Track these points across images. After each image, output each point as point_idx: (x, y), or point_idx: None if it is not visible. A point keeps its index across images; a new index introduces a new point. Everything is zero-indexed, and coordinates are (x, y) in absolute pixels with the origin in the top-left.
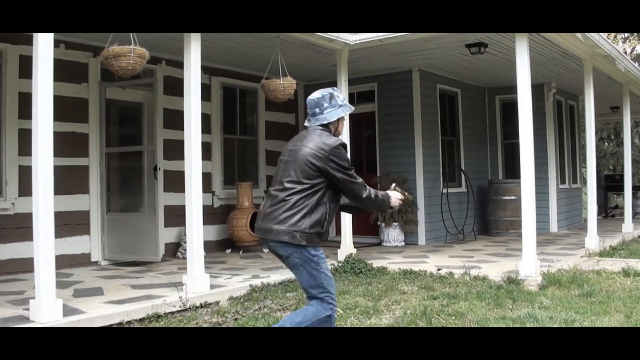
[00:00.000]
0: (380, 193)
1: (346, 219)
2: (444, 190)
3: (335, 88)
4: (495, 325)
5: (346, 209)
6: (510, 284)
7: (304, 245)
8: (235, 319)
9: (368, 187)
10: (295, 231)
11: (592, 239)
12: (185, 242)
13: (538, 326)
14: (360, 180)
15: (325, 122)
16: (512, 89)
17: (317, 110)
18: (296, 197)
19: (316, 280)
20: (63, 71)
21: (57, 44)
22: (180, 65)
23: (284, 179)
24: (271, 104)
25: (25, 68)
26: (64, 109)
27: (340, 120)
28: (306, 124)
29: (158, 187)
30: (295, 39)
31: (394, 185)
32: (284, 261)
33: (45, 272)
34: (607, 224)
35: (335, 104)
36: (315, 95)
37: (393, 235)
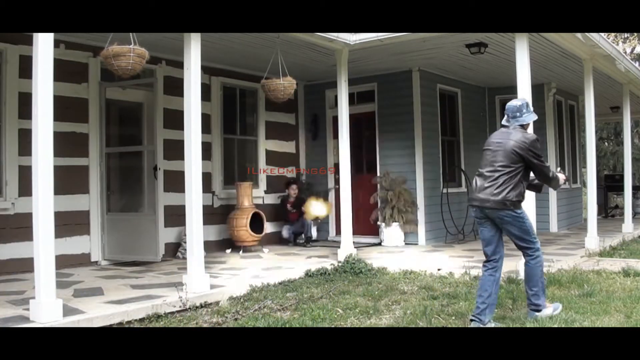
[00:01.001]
0: (555, 174)
1: (346, 219)
2: (444, 190)
3: (525, 98)
4: (495, 325)
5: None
6: (510, 284)
7: (512, 208)
8: (235, 319)
9: (551, 169)
10: (506, 200)
11: (592, 239)
12: (185, 242)
13: (538, 326)
14: (547, 164)
15: (523, 123)
16: (512, 89)
17: (517, 114)
18: (505, 177)
19: (522, 229)
20: (63, 71)
21: (57, 44)
22: (180, 65)
23: (495, 163)
24: (271, 104)
25: (25, 68)
26: (64, 109)
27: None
28: (505, 123)
29: (158, 187)
30: (295, 39)
31: (559, 168)
32: (497, 223)
33: (45, 272)
34: (607, 224)
35: (529, 111)
36: (516, 102)
37: (393, 235)
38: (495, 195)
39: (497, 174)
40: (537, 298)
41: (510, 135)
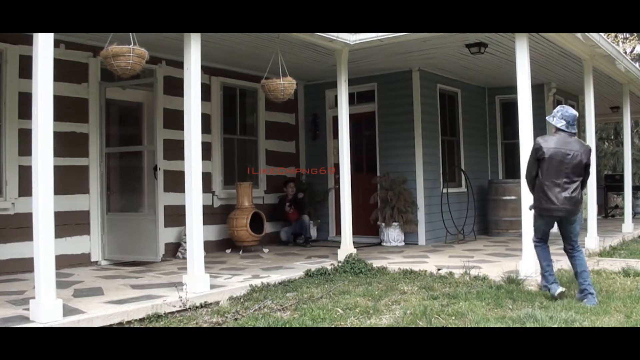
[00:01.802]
0: None
1: (346, 219)
2: (444, 190)
3: None
4: (495, 325)
5: None
6: (510, 284)
7: (580, 209)
8: (235, 319)
9: None
10: (579, 203)
11: (592, 239)
12: (185, 242)
13: (538, 326)
14: None
15: (574, 131)
16: (512, 89)
17: (575, 122)
18: (576, 184)
19: (579, 229)
20: (63, 71)
21: (57, 44)
22: (180, 65)
23: (570, 175)
24: (271, 104)
25: (25, 68)
26: (64, 109)
27: None
28: (565, 128)
29: (158, 187)
30: (295, 39)
31: None
32: (569, 222)
33: (45, 272)
34: (607, 224)
35: None
36: (574, 111)
37: (393, 235)
38: (573, 201)
39: (573, 185)
40: (590, 286)
41: (577, 146)
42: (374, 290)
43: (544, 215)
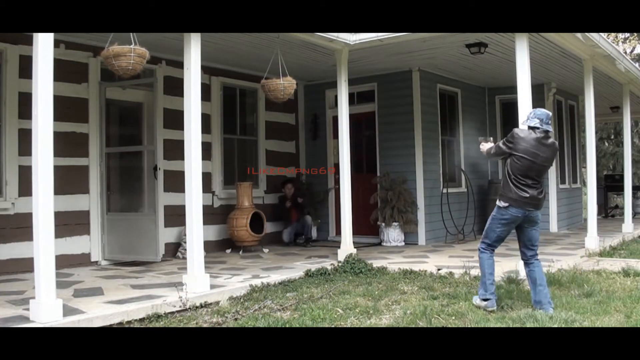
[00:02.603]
0: None
1: (346, 219)
2: (444, 190)
3: None
4: (495, 325)
5: None
6: (510, 284)
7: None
8: (235, 319)
9: None
10: (544, 200)
11: (592, 239)
12: (185, 242)
13: (538, 326)
14: None
15: (549, 129)
16: (512, 89)
17: (549, 120)
18: (543, 186)
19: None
20: (63, 71)
21: (57, 44)
22: (180, 65)
23: (540, 177)
24: (271, 104)
25: (25, 68)
26: (64, 109)
27: None
28: (539, 125)
29: (158, 187)
30: (295, 39)
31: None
32: (533, 222)
33: (45, 272)
34: (607, 224)
35: None
36: (547, 111)
37: (393, 235)
38: (539, 197)
39: (541, 183)
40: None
41: (552, 151)
42: (374, 290)
43: (512, 207)
